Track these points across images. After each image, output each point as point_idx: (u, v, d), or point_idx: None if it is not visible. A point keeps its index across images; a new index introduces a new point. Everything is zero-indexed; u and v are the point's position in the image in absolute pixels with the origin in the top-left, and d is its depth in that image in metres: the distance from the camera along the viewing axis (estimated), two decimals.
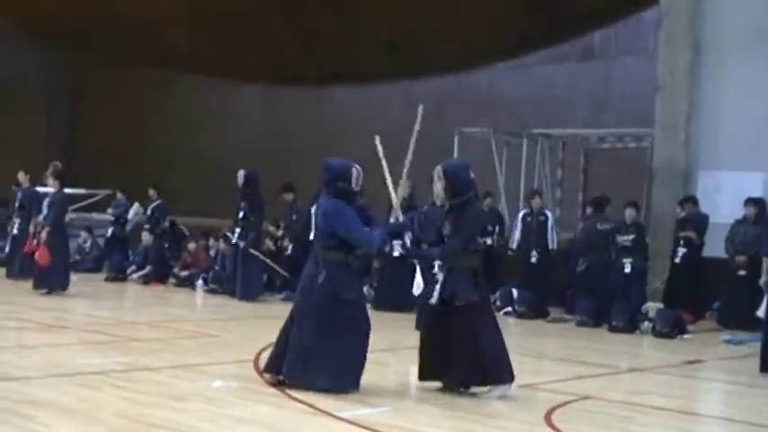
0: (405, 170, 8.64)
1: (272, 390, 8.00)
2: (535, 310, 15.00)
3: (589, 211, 16.33)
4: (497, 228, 17.05)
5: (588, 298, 14.52)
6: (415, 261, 12.77)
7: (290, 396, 7.73)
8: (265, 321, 13.51)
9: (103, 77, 28.36)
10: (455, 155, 19.08)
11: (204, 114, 26.26)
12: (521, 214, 16.46)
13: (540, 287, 15.48)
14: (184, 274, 18.22)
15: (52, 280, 15.26)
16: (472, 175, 8.59)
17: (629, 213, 15.29)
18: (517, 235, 16.21)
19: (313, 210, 9.32)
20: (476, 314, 8.14)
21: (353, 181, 8.25)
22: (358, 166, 8.33)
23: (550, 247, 15.91)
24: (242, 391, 7.95)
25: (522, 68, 22.51)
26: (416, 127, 8.65)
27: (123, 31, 25.65)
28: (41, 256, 15.13)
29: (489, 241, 16.47)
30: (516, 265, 16.32)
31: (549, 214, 16.21)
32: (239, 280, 16.06)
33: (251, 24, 23.88)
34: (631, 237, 15.10)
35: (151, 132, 26.84)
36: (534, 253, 15.85)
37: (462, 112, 21.70)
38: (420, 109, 8.68)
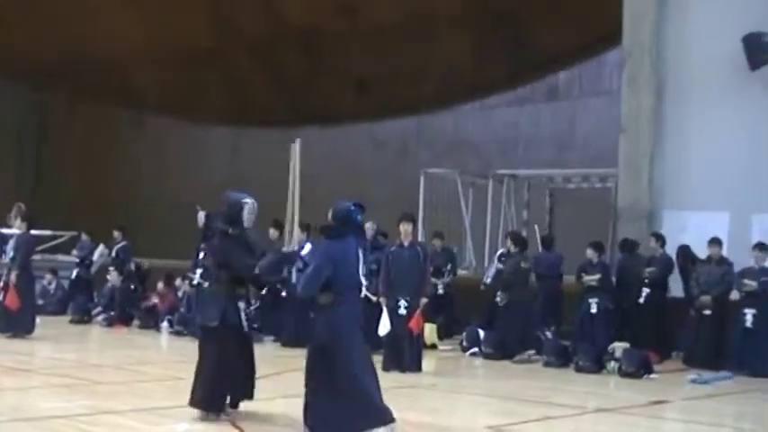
0: (294, 209, 8.62)
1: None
2: (501, 350, 14.98)
3: (513, 248, 15.75)
4: (449, 266, 17.08)
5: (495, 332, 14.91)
6: (381, 302, 12.86)
7: None
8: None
9: (72, 118, 28.32)
10: (421, 195, 19.17)
11: (172, 155, 26.24)
12: (498, 253, 16.46)
13: (508, 328, 15.40)
14: (148, 305, 18.15)
15: (18, 324, 15.10)
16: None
17: (590, 253, 15.36)
18: (492, 271, 16.18)
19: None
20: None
21: (244, 215, 8.28)
22: (253, 201, 8.35)
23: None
24: None
25: (486, 110, 22.71)
26: (295, 164, 8.67)
27: (92, 72, 25.64)
28: (11, 301, 14.98)
29: (441, 281, 16.72)
30: (482, 304, 16.30)
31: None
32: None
33: (220, 66, 23.96)
34: (597, 276, 15.18)
35: (119, 173, 26.77)
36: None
37: (427, 154, 21.85)
38: (297, 144, 8.74)
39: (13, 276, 15.22)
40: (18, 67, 26.86)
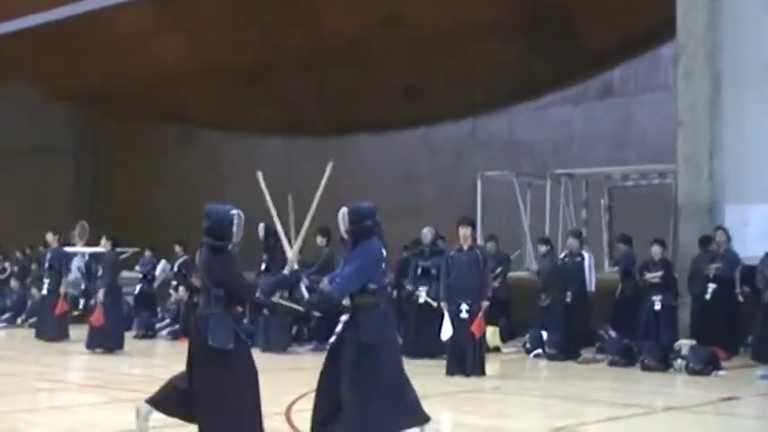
0: (306, 224, 8.42)
1: None
2: (565, 351, 14.89)
3: (543, 249, 16.66)
4: (500, 269, 17.01)
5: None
6: (443, 306, 12.86)
7: None
8: (295, 373, 13.51)
9: (126, 137, 28.65)
10: (478, 199, 19.11)
11: (225, 170, 26.41)
12: (561, 255, 16.39)
13: (572, 328, 15.32)
14: None
15: (107, 340, 15.45)
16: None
17: (655, 250, 15.26)
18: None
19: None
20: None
21: (234, 228, 7.82)
22: (240, 213, 7.89)
23: (588, 288, 15.70)
24: None
25: (540, 110, 22.57)
26: (323, 182, 8.47)
27: (144, 91, 25.93)
28: (96, 318, 15.35)
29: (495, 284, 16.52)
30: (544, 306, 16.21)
31: (585, 255, 15.96)
32: (263, 332, 16.09)
33: (268, 79, 24.09)
34: (659, 273, 15.05)
35: (173, 189, 27.02)
36: (569, 294, 15.60)
37: (482, 156, 21.78)
38: (329, 166, 8.51)
39: (100, 294, 15.68)
40: (72, 90, 27.26)
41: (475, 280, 12.79)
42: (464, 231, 12.98)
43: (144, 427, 7.84)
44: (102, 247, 16.26)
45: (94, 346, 15.52)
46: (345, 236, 8.08)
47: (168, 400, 7.91)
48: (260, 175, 8.48)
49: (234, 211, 7.86)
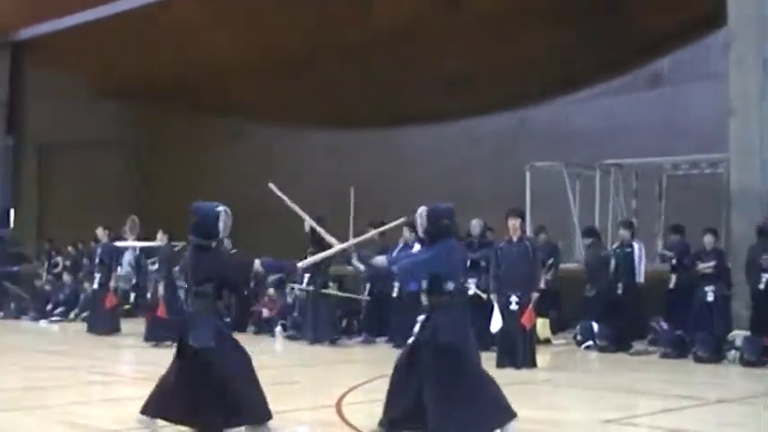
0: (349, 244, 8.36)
1: None
2: (616, 343, 14.78)
3: (588, 240, 16.79)
4: (551, 260, 16.93)
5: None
6: (492, 298, 12.81)
7: None
8: (345, 366, 13.56)
9: (174, 131, 28.88)
10: (527, 190, 19.01)
11: (273, 163, 26.49)
12: (613, 246, 16.29)
13: (623, 320, 15.20)
14: (258, 311, 18.42)
15: (164, 333, 15.61)
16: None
17: (708, 240, 15.11)
18: (611, 266, 15.93)
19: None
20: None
21: (221, 225, 7.84)
22: (226, 209, 7.93)
23: (637, 279, 15.56)
24: None
25: (588, 100, 22.39)
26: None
27: (192, 85, 26.11)
28: (161, 311, 15.55)
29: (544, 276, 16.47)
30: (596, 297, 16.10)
31: (635, 246, 15.81)
32: (310, 323, 16.16)
33: (315, 71, 24.12)
34: (712, 263, 14.88)
35: (222, 184, 27.12)
36: (620, 285, 15.48)
37: (530, 147, 21.65)
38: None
39: (161, 288, 15.91)
40: (121, 87, 27.52)
41: (525, 271, 12.73)
42: (513, 223, 12.92)
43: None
44: (159, 240, 16.47)
45: (154, 338, 15.67)
46: (422, 235, 8.07)
47: (165, 404, 7.80)
48: (272, 186, 8.53)
49: (220, 208, 7.89)
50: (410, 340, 7.87)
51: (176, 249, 16.09)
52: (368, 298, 16.44)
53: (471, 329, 7.89)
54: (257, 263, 7.96)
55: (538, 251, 13.50)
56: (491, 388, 7.71)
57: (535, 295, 12.72)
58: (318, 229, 8.45)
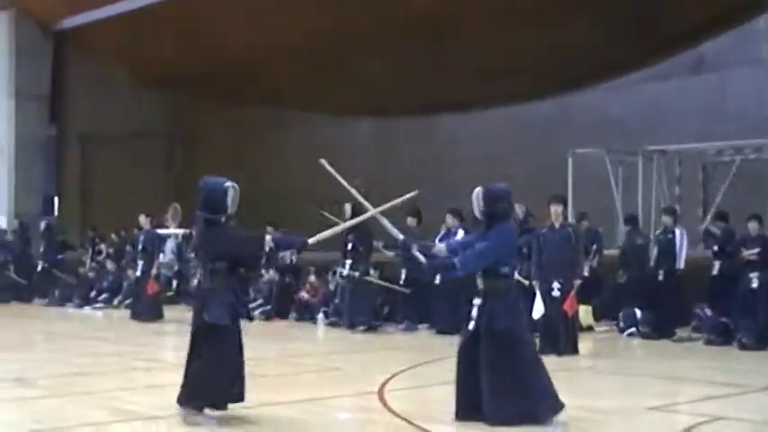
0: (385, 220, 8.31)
1: (399, 421, 7.99)
2: (659, 330, 14.69)
3: (626, 228, 17.09)
4: (595, 247, 16.88)
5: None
6: (534, 285, 12.77)
7: (417, 426, 7.71)
8: (387, 352, 13.59)
9: (218, 120, 28.98)
10: (569, 177, 18.92)
11: (317, 151, 26.46)
12: (657, 232, 16.22)
13: (665, 306, 15.11)
14: (300, 298, 18.53)
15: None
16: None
17: (752, 227, 14.93)
18: (654, 253, 15.87)
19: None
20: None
21: (229, 200, 7.85)
22: (234, 185, 7.92)
23: (677, 265, 15.45)
24: (369, 423, 7.98)
25: (630, 86, 22.21)
26: (401, 202, 8.37)
27: (235, 75, 26.20)
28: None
29: (587, 262, 16.40)
30: (638, 284, 16.03)
31: (677, 232, 15.68)
32: (347, 308, 16.23)
33: (357, 58, 24.12)
34: (756, 250, 14.73)
35: (265, 172, 27.25)
36: (661, 272, 15.40)
37: (572, 134, 21.51)
38: (415, 193, 8.40)
39: None
40: (164, 75, 27.66)
41: (567, 258, 12.68)
42: (555, 209, 12.87)
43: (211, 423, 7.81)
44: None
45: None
46: (480, 217, 8.00)
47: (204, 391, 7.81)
48: (323, 162, 8.49)
49: (228, 183, 7.89)
50: (470, 326, 7.83)
51: None
52: (407, 291, 16.44)
53: (525, 313, 7.88)
54: (268, 237, 7.99)
55: (580, 238, 13.44)
56: (544, 376, 7.71)
57: (577, 282, 12.67)
58: (360, 199, 8.39)
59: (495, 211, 7.85)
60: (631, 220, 17.24)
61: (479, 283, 7.82)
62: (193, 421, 7.73)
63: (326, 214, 8.93)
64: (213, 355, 7.70)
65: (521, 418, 7.53)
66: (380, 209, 8.30)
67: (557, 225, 12.89)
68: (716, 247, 15.82)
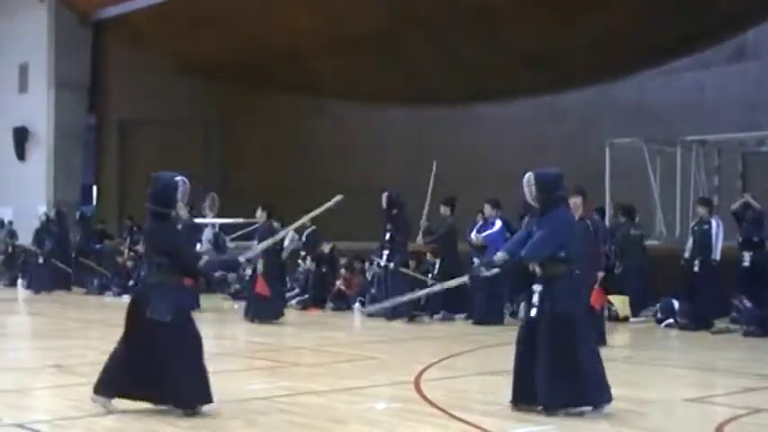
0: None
1: (435, 410, 8.00)
2: (697, 321, 14.58)
3: (622, 219, 17.18)
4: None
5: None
6: None
7: (453, 416, 7.71)
8: (423, 342, 13.58)
9: (254, 108, 29.01)
10: (607, 167, 18.78)
11: (353, 140, 26.54)
12: (691, 224, 16.11)
13: (702, 297, 15.00)
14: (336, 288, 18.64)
15: (267, 310, 15.84)
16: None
17: None
18: (689, 244, 15.77)
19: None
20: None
21: (179, 195, 7.84)
22: (184, 179, 7.90)
23: (713, 256, 15.34)
24: (405, 413, 7.98)
25: (669, 75, 22.00)
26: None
27: (271, 62, 26.27)
28: (261, 288, 15.71)
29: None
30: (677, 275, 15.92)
31: (713, 223, 15.57)
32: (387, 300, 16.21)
33: (395, 47, 24.10)
34: None
35: (303, 160, 27.30)
36: (696, 263, 15.31)
37: (610, 123, 21.35)
38: (434, 165, 8.38)
39: (260, 265, 15.96)
40: (200, 63, 27.79)
41: (586, 250, 12.54)
42: (575, 201, 12.71)
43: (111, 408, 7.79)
44: (258, 217, 16.48)
45: (255, 316, 15.87)
46: (533, 203, 7.97)
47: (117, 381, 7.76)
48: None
49: (178, 178, 7.89)
50: (533, 312, 7.82)
51: (276, 226, 16.16)
52: (438, 288, 16.41)
53: (585, 300, 7.87)
54: (201, 262, 7.98)
55: (600, 230, 13.28)
56: (599, 363, 7.73)
57: (600, 274, 12.53)
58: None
59: (548, 196, 7.82)
60: (627, 211, 17.27)
61: (537, 270, 7.81)
62: (109, 408, 7.73)
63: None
64: (152, 351, 7.64)
65: (576, 401, 7.58)
66: (308, 217, 8.47)
67: (576, 217, 12.77)
68: (740, 239, 15.68)
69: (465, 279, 9.43)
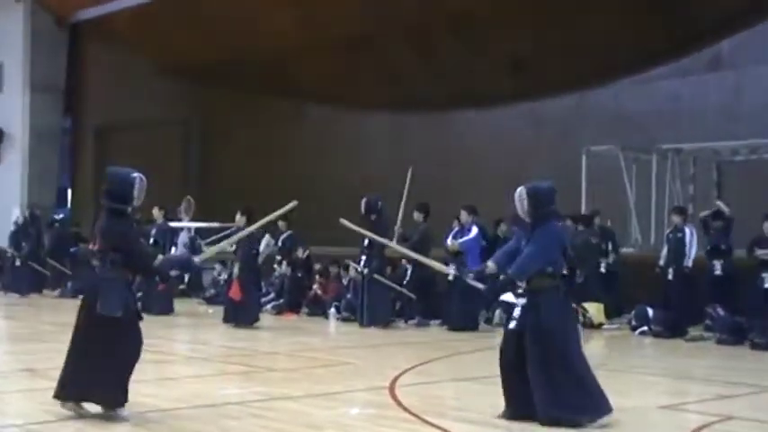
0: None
1: (409, 416, 8.00)
2: (671, 329, 14.64)
3: (581, 227, 17.29)
4: (610, 245, 17.16)
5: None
6: None
7: (427, 422, 7.71)
8: (399, 348, 13.58)
9: (234, 111, 28.90)
10: (583, 174, 18.86)
11: (334, 144, 26.50)
12: (666, 231, 16.25)
13: (677, 305, 15.10)
14: (312, 293, 18.59)
15: (242, 315, 15.73)
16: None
17: (767, 227, 14.88)
18: (664, 252, 15.97)
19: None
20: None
21: (135, 192, 7.79)
22: (141, 176, 7.85)
23: (685, 263, 15.47)
24: (379, 419, 7.97)
25: (647, 83, 22.09)
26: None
27: (252, 67, 26.20)
28: (234, 292, 15.65)
29: (604, 260, 17.16)
30: (650, 282, 16.01)
31: (687, 231, 15.74)
32: (365, 306, 16.17)
33: (376, 53, 24.09)
34: None
35: (281, 165, 27.21)
36: (671, 270, 15.44)
37: (588, 131, 21.42)
38: (410, 171, 8.37)
39: (236, 269, 16.08)
40: (180, 66, 27.70)
41: None
42: None
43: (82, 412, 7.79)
44: (237, 222, 16.39)
45: (230, 321, 15.81)
46: (525, 218, 7.90)
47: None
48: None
49: (135, 175, 7.84)
50: (511, 325, 7.79)
51: (225, 233, 16.09)
52: (413, 296, 16.44)
53: (572, 314, 7.83)
54: (156, 261, 7.98)
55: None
56: (591, 376, 7.71)
57: None
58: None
59: (540, 212, 7.79)
60: (585, 218, 17.44)
61: (523, 283, 7.78)
62: (79, 413, 7.70)
63: (345, 222, 9.03)
64: (101, 350, 7.66)
65: (576, 411, 7.51)
66: (258, 224, 8.47)
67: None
68: (708, 247, 15.80)
69: (451, 270, 9.37)
